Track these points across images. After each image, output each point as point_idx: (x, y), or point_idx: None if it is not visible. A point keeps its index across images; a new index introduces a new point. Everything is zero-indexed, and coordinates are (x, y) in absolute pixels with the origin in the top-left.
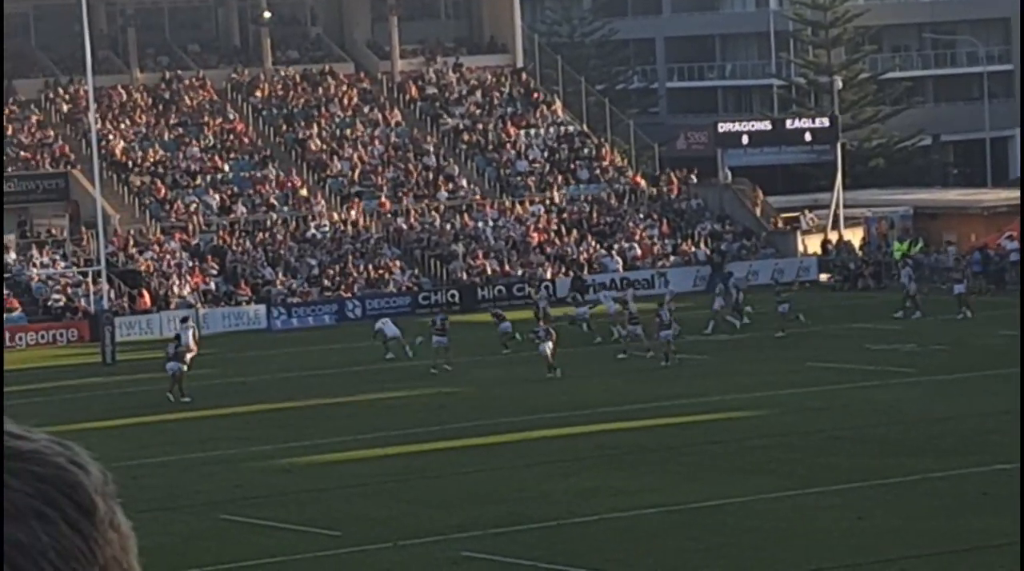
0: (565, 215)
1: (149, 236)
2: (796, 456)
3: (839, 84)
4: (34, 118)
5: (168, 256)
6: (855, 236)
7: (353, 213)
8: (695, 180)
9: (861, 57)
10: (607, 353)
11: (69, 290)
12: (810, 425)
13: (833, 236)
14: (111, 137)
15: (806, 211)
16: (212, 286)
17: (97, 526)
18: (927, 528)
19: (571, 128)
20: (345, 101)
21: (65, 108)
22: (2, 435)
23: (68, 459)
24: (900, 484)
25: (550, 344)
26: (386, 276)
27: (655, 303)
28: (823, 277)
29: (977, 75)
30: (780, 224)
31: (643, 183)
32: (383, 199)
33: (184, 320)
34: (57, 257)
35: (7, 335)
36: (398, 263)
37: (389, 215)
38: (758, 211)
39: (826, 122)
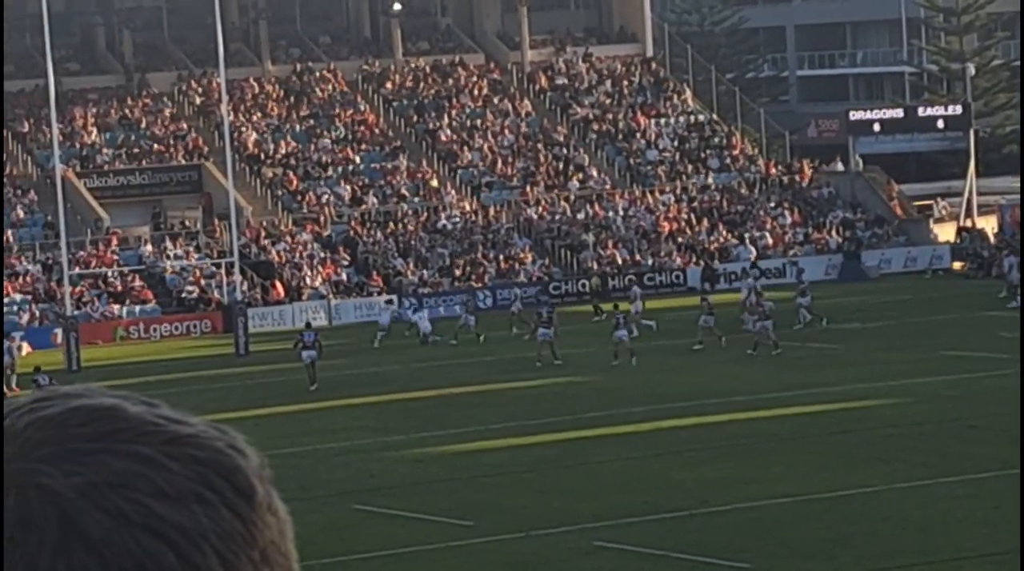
0: (695, 204)
1: (281, 227)
2: (930, 445)
3: (971, 71)
4: (167, 111)
5: (300, 247)
6: (988, 224)
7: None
8: (830, 167)
9: (994, 44)
10: (740, 343)
11: (202, 282)
12: (944, 414)
13: (967, 224)
14: (243, 129)
15: (939, 199)
16: (343, 277)
17: (256, 509)
18: None
19: (701, 117)
20: (475, 91)
21: (198, 100)
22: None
23: (227, 443)
24: None
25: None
26: (516, 266)
27: (787, 292)
28: (956, 265)
29: None
30: (913, 212)
31: (774, 171)
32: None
33: (388, 302)
34: (190, 249)
35: (141, 326)
36: (529, 253)
37: (520, 205)
38: (891, 200)
39: (959, 109)
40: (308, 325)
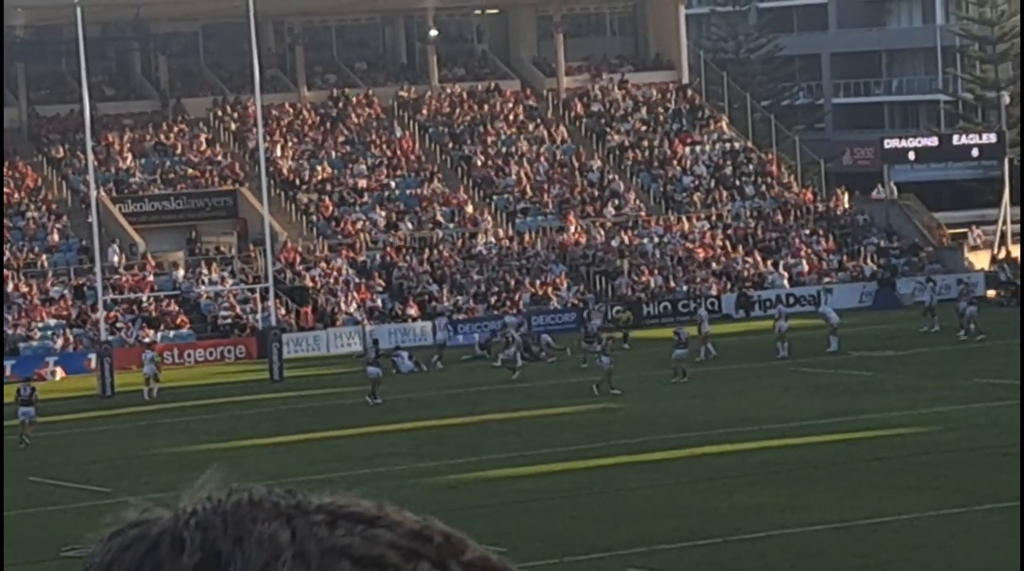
0: (730, 231)
1: (316, 253)
2: (963, 473)
3: (1007, 99)
4: (203, 136)
5: (335, 273)
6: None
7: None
8: (870, 196)
9: None
10: (773, 370)
11: (237, 307)
12: (977, 441)
13: (1000, 252)
14: (279, 155)
15: (973, 227)
16: (379, 303)
17: None
18: None
19: (736, 144)
20: (511, 118)
21: (233, 126)
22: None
23: None
24: None
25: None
26: (551, 292)
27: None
28: (990, 293)
29: None
30: (947, 240)
31: (810, 198)
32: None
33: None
34: (225, 274)
35: (175, 352)
36: (564, 279)
37: (554, 231)
38: (929, 229)
39: (993, 137)
40: (375, 342)
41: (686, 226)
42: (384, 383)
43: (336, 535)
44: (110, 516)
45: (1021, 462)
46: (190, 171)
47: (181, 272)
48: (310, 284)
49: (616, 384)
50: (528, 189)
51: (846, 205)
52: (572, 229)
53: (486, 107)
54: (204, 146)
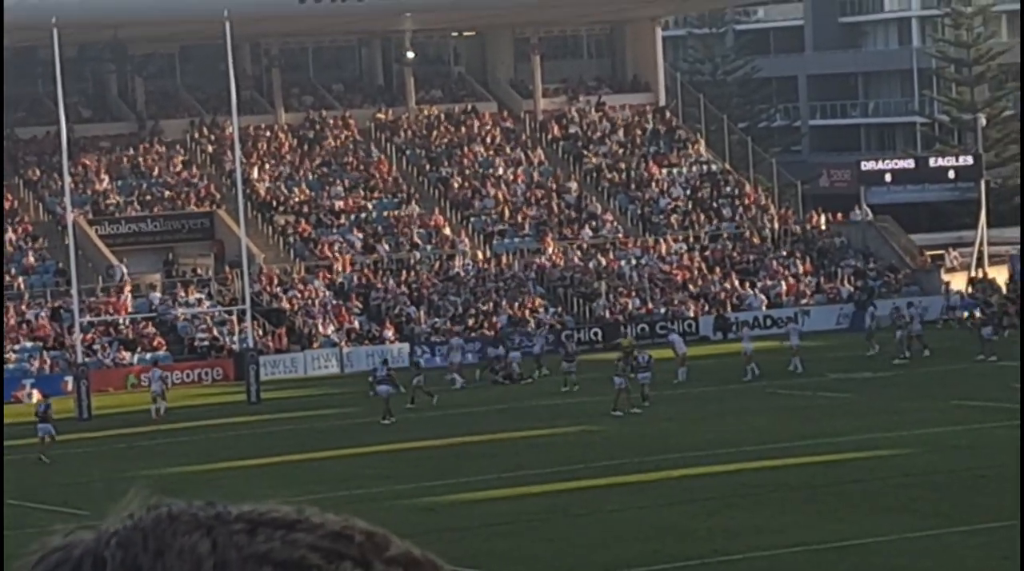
0: (708, 253)
1: (293, 275)
2: (941, 495)
3: (983, 122)
4: (179, 158)
5: (312, 295)
6: (999, 274)
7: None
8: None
9: (1005, 94)
10: (751, 391)
11: (214, 329)
12: (955, 464)
13: (978, 274)
14: (256, 177)
15: (950, 249)
16: (356, 325)
17: None
18: None
19: (714, 166)
20: (488, 140)
21: (210, 148)
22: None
23: None
24: None
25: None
26: (528, 314)
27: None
28: (966, 314)
29: None
30: (925, 262)
31: (786, 221)
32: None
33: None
34: (202, 296)
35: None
36: (541, 301)
37: (532, 253)
38: (902, 250)
39: (970, 160)
40: (385, 362)
41: (663, 248)
42: (361, 405)
43: (256, 542)
44: (36, 543)
45: (1021, 483)
46: (167, 193)
47: (158, 294)
48: (287, 306)
49: (592, 406)
50: (505, 211)
51: (822, 226)
52: (549, 251)
53: (463, 129)
54: (181, 168)
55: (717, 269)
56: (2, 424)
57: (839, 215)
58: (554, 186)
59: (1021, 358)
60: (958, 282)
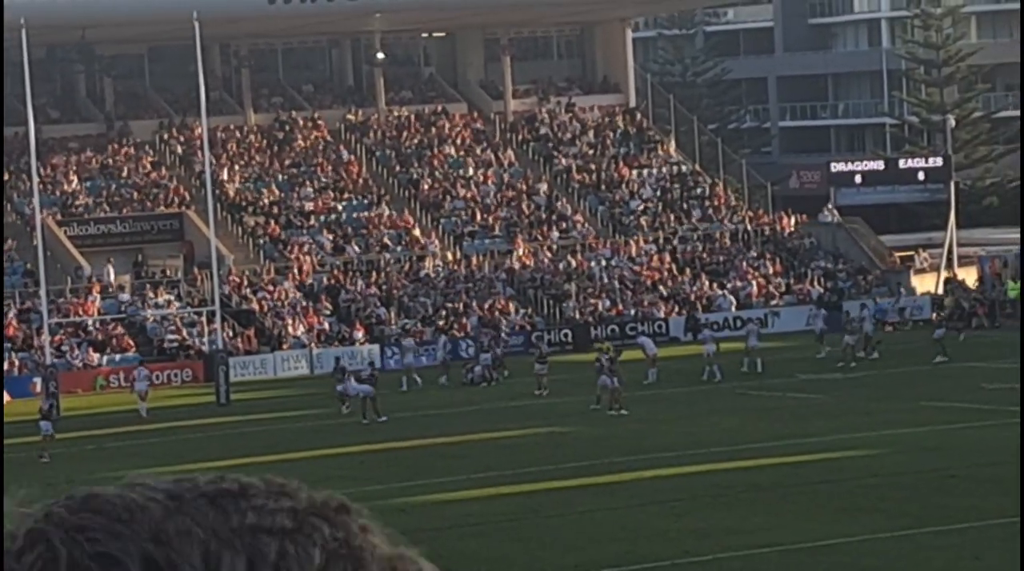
0: (678, 254)
1: (263, 276)
2: (910, 496)
3: (952, 123)
4: (148, 159)
5: (282, 296)
6: (969, 275)
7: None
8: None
9: (974, 96)
10: (721, 393)
11: (183, 330)
12: (925, 464)
13: (948, 275)
14: (225, 178)
15: (920, 250)
16: (326, 326)
17: None
18: None
19: (684, 167)
20: (458, 141)
21: (179, 149)
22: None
23: None
24: (1016, 524)
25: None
26: (499, 315)
27: (769, 342)
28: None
29: None
30: (896, 263)
31: (757, 221)
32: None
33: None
34: (172, 297)
35: (122, 376)
36: (511, 302)
37: (502, 254)
38: (872, 251)
39: (939, 161)
40: (372, 364)
41: (633, 249)
42: (331, 406)
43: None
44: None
45: (1020, 483)
46: (136, 194)
47: (127, 295)
48: (257, 307)
49: (563, 407)
50: (476, 212)
51: (791, 227)
52: (519, 252)
53: (433, 130)
54: (150, 169)
55: (687, 270)
56: (2, 424)
57: (804, 217)
58: (524, 187)
59: (1021, 357)
60: (927, 283)
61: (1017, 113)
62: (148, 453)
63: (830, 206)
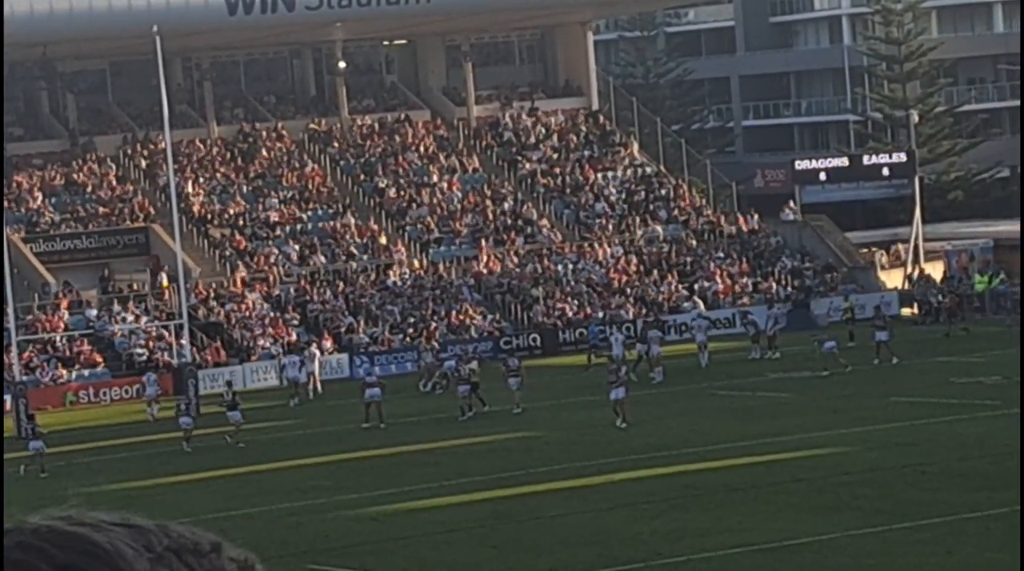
0: (644, 256)
1: (230, 288)
2: (882, 492)
3: (915, 118)
4: (113, 174)
5: (249, 308)
6: (936, 270)
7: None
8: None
9: (937, 90)
10: (690, 393)
11: (152, 344)
12: (896, 460)
13: (914, 270)
14: (190, 191)
15: (892, 245)
16: (294, 336)
17: None
18: (1018, 562)
19: (648, 169)
20: (422, 148)
21: (144, 163)
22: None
23: None
24: (988, 518)
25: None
26: (467, 322)
27: (737, 342)
28: (905, 311)
29: None
30: (863, 259)
31: (722, 221)
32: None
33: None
34: (139, 312)
35: (91, 391)
36: (479, 309)
37: (468, 260)
38: (838, 249)
39: (903, 157)
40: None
41: (600, 252)
42: (304, 416)
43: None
44: None
45: (1021, 481)
46: (101, 209)
47: (94, 310)
48: (224, 319)
49: (533, 412)
50: (441, 219)
51: (754, 226)
52: (486, 258)
53: (397, 138)
54: (115, 184)
55: (654, 272)
56: (2, 433)
57: (758, 216)
58: (489, 193)
59: (1021, 355)
60: (895, 279)
61: (978, 106)
62: (118, 468)
63: (792, 204)
